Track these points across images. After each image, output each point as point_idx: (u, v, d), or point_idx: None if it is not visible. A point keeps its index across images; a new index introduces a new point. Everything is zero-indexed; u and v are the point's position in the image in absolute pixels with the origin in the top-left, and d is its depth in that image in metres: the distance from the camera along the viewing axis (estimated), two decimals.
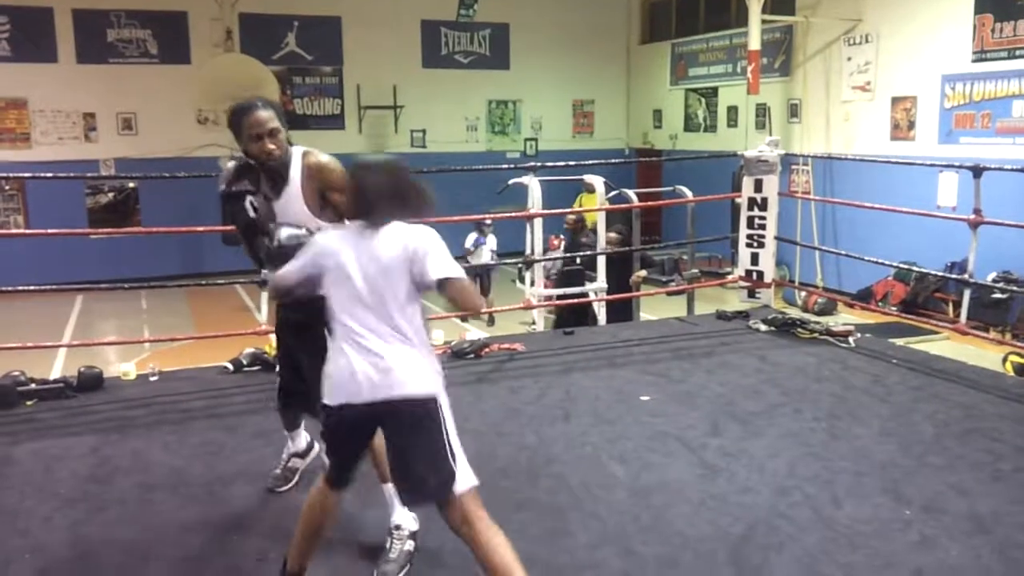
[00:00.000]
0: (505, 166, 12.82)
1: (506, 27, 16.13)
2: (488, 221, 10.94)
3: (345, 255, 2.72)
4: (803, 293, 11.12)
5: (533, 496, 3.68)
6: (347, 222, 2.96)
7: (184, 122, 14.10)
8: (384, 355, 2.66)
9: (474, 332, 8.10)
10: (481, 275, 11.23)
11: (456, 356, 5.80)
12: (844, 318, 9.35)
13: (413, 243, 2.69)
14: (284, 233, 3.10)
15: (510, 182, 8.02)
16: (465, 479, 2.68)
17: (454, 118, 16.04)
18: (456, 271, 2.69)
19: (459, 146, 15.84)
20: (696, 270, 8.20)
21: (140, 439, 4.44)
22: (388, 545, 3.13)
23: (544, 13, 16.03)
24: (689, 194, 8.16)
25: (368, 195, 2.74)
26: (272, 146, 3.19)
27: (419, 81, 15.53)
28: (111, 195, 14.37)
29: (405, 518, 3.16)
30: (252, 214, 3.22)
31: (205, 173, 14.77)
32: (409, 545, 3.14)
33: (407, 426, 2.69)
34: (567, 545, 3.27)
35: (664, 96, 16.18)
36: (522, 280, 8.86)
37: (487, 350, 5.87)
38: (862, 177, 11.06)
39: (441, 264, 2.68)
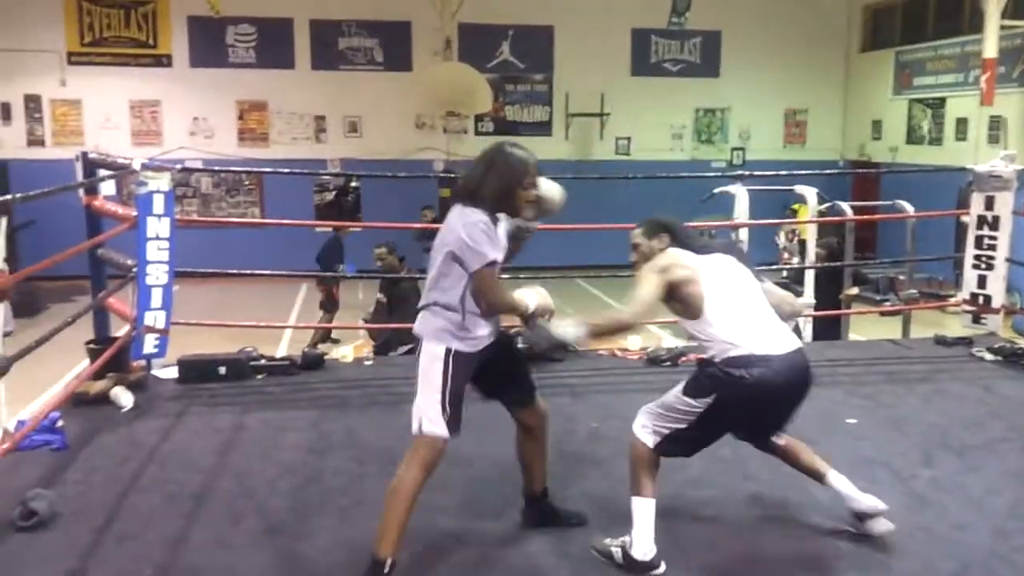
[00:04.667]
0: (711, 174, 12.66)
1: (718, 34, 15.85)
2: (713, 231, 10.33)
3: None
4: None
5: (724, 512, 3.63)
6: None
7: (404, 126, 14.97)
8: None
9: (669, 340, 8.02)
10: None
11: (652, 363, 5.79)
12: None
13: None
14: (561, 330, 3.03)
15: (716, 190, 7.85)
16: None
17: (660, 126, 15.96)
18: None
19: (663, 154, 15.75)
20: (914, 291, 7.67)
21: (354, 417, 4.79)
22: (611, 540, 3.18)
23: (759, 20, 15.61)
24: (910, 209, 7.67)
25: None
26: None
27: (626, 89, 15.58)
28: (333, 193, 15.43)
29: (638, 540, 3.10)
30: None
31: (422, 174, 15.61)
32: (618, 555, 3.12)
33: None
34: (761, 570, 3.21)
35: (885, 106, 15.28)
36: None
37: (684, 359, 5.81)
38: None
39: None
